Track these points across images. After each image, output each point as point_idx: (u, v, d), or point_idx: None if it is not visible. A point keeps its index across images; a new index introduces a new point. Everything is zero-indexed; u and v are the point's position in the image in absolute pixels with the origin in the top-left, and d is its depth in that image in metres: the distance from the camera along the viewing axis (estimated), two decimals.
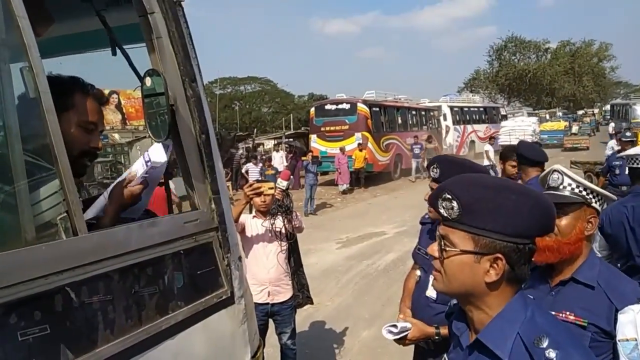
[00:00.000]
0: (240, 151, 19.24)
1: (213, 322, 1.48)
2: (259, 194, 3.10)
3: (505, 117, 30.32)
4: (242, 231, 3.31)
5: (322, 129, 18.38)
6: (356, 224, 10.98)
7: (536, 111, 41.22)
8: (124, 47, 1.71)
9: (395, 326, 2.05)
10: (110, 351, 1.11)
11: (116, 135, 18.88)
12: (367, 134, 17.62)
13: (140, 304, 1.22)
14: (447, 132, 24.01)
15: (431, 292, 2.20)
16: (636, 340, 1.44)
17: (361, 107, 17.95)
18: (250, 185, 3.11)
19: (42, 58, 1.08)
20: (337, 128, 18.02)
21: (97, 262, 1.11)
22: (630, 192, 3.06)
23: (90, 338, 1.08)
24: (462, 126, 25.03)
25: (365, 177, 17.25)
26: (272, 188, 3.13)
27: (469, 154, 23.53)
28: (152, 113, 1.42)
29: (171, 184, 1.87)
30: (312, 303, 3.89)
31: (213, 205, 1.55)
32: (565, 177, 1.72)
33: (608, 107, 40.64)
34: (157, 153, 1.47)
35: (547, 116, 37.67)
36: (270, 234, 3.33)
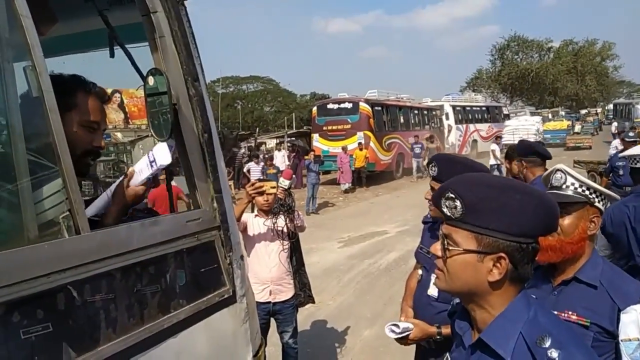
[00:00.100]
0: (243, 150, 19.25)
1: (215, 321, 1.48)
2: (261, 193, 3.11)
3: (507, 117, 30.27)
4: (244, 230, 3.32)
5: (324, 128, 18.39)
6: (358, 223, 10.98)
7: (539, 110, 41.13)
8: (127, 46, 1.71)
9: (397, 326, 2.05)
10: (112, 350, 1.11)
11: (119, 134, 18.93)
12: (369, 133, 17.62)
13: (142, 302, 1.23)
14: (449, 131, 23.97)
15: (432, 291, 2.20)
16: (639, 340, 1.44)
17: (363, 106, 17.95)
18: (253, 185, 3.12)
19: (45, 57, 1.09)
20: (339, 127, 18.03)
21: (99, 261, 1.11)
22: (632, 192, 3.05)
23: (93, 336, 1.08)
24: (464, 125, 24.98)
25: (367, 177, 17.24)
26: (274, 187, 3.13)
27: (471, 153, 23.49)
28: (154, 112, 1.42)
29: (175, 182, 1.87)
30: (313, 302, 3.89)
31: (215, 204, 1.55)
32: (568, 176, 1.72)
33: (611, 106, 40.54)
34: (162, 154, 1.46)
35: (550, 115, 37.57)
36: (272, 233, 3.33)
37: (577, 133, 29.82)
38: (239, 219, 3.08)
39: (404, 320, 2.12)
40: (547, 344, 0.99)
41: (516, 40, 51.14)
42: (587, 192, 1.68)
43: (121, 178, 1.51)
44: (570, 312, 1.59)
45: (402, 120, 20.64)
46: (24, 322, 0.93)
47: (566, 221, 1.64)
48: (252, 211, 3.62)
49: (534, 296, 1.16)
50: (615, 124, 28.49)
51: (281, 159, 17.00)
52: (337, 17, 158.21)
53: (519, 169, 3.68)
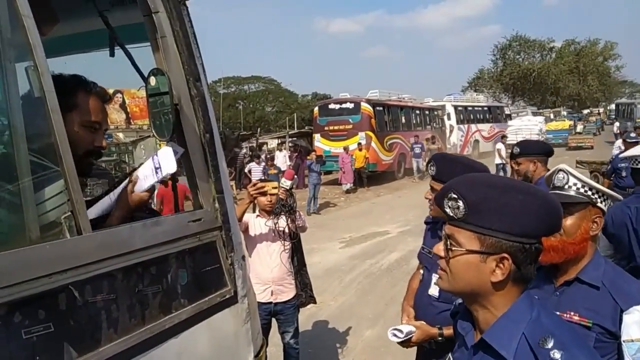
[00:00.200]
0: (244, 150, 19.27)
1: (216, 321, 1.48)
2: (263, 194, 3.11)
3: (509, 117, 30.22)
4: (246, 230, 3.32)
5: (326, 128, 18.39)
6: (359, 223, 10.97)
7: (540, 110, 41.08)
8: (129, 46, 1.71)
9: (400, 330, 2.04)
10: (113, 350, 1.11)
11: (120, 135, 18.96)
12: (370, 133, 17.61)
13: (143, 302, 1.23)
14: (451, 131, 23.93)
15: (433, 291, 2.20)
16: None
17: (365, 106, 17.94)
18: (254, 185, 3.12)
19: (47, 57, 1.09)
20: (341, 127, 18.03)
21: (101, 261, 1.11)
22: (634, 193, 3.04)
23: (94, 337, 1.08)
24: (466, 125, 24.95)
25: (368, 177, 17.23)
26: (275, 188, 3.13)
27: (473, 153, 23.46)
28: (156, 112, 1.42)
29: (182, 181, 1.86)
30: (315, 302, 3.89)
31: (217, 205, 1.55)
32: (570, 176, 1.71)
33: (613, 106, 40.47)
34: (168, 161, 1.45)
35: (552, 115, 37.54)
36: (273, 234, 3.33)
37: (579, 133, 29.81)
38: (240, 220, 3.08)
39: (406, 322, 2.11)
40: (550, 344, 0.99)
41: (518, 40, 51.06)
42: (589, 193, 1.67)
43: (125, 182, 1.50)
44: (572, 313, 1.58)
45: (403, 121, 20.62)
46: (26, 322, 0.94)
47: (568, 221, 1.64)
48: (254, 211, 3.62)
49: (536, 297, 1.15)
50: (617, 124, 28.45)
51: (282, 159, 17.01)
52: (339, 17, 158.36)
53: (533, 167, 3.57)
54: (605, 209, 1.69)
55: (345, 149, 16.20)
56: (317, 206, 13.26)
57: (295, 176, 3.40)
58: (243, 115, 40.52)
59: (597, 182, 1.96)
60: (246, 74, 48.51)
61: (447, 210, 1.11)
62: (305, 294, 3.67)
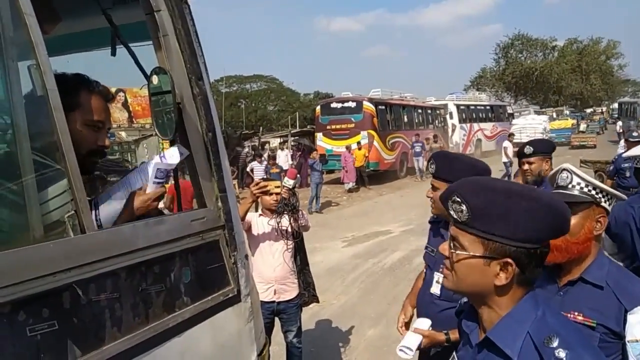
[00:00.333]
0: (246, 149, 19.27)
1: (219, 320, 1.48)
2: (265, 193, 3.11)
3: (512, 116, 30.16)
4: (249, 229, 3.32)
5: (328, 127, 18.38)
6: (362, 222, 10.98)
7: (543, 109, 40.97)
8: (131, 45, 1.71)
9: (410, 348, 1.95)
10: (117, 348, 1.11)
11: (123, 134, 18.96)
12: (373, 132, 17.60)
13: (147, 301, 1.23)
14: (453, 130, 23.91)
15: (435, 289, 2.20)
16: None
17: (367, 105, 17.93)
18: (257, 184, 3.12)
19: (49, 56, 1.09)
20: (343, 126, 18.02)
21: (104, 260, 1.11)
22: (637, 192, 3.03)
23: (98, 335, 1.08)
24: (468, 124, 24.91)
25: (371, 176, 17.21)
26: (278, 187, 3.13)
27: (476, 152, 23.43)
28: (158, 111, 1.42)
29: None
30: (317, 301, 3.89)
31: (220, 204, 1.55)
32: (574, 176, 1.70)
33: (616, 105, 40.32)
34: (172, 155, 1.45)
35: (554, 114, 37.44)
36: (276, 233, 3.33)
37: (583, 132, 29.74)
38: (243, 219, 3.08)
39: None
40: (555, 344, 0.99)
41: (520, 39, 50.89)
42: (593, 192, 1.66)
43: (137, 189, 1.49)
44: (576, 313, 1.58)
45: (405, 120, 20.59)
46: (30, 320, 0.94)
47: (572, 221, 1.62)
48: (256, 210, 3.62)
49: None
50: (620, 123, 28.35)
51: (284, 158, 17.01)
52: (340, 15, 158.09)
53: (546, 166, 3.51)
54: (609, 208, 1.68)
55: (348, 147, 16.20)
56: (319, 205, 13.26)
57: (298, 175, 3.39)
58: (245, 114, 40.54)
59: (602, 181, 1.95)
60: (248, 72, 48.49)
61: (452, 212, 1.11)
62: (308, 293, 3.67)
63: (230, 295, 1.53)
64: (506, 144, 15.58)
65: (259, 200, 3.26)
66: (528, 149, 3.45)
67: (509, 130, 23.13)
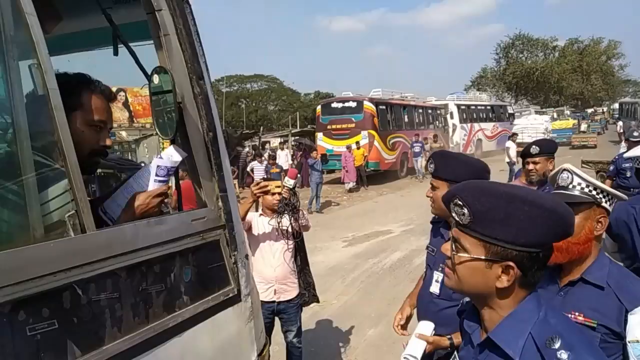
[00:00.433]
0: (247, 149, 19.27)
1: (220, 320, 1.48)
2: (266, 193, 3.11)
3: (512, 116, 30.14)
4: (249, 229, 3.32)
5: (329, 127, 18.39)
6: (362, 222, 10.97)
7: (544, 109, 40.93)
8: (132, 44, 1.71)
9: (415, 357, 1.85)
10: (117, 348, 1.11)
11: (123, 133, 18.96)
12: (373, 132, 17.60)
13: (147, 301, 1.23)
14: (453, 130, 23.89)
15: (434, 288, 2.20)
16: None
17: (367, 105, 17.93)
18: (257, 184, 3.12)
19: (50, 55, 1.09)
20: (344, 126, 18.02)
21: (104, 260, 1.11)
22: (638, 192, 3.03)
23: (98, 335, 1.08)
24: (469, 124, 24.90)
25: (371, 176, 17.20)
26: (279, 187, 3.13)
27: (476, 152, 23.42)
28: (159, 111, 1.42)
29: None
30: (318, 301, 3.89)
31: (220, 203, 1.55)
32: (575, 176, 1.70)
33: (616, 105, 40.30)
34: (172, 153, 1.45)
35: (555, 114, 37.43)
36: (276, 233, 3.33)
37: (583, 132, 29.73)
38: (243, 218, 3.07)
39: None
40: (557, 345, 0.98)
41: (521, 39, 50.85)
42: (594, 192, 1.66)
43: (139, 191, 1.49)
44: (577, 313, 1.58)
45: (406, 119, 20.58)
46: (30, 320, 0.94)
47: None
48: (257, 210, 3.62)
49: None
50: (620, 123, 28.31)
51: (284, 158, 17.01)
52: (341, 15, 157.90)
53: (551, 166, 3.50)
54: (609, 208, 1.68)
55: (348, 147, 16.19)
56: (320, 205, 13.26)
57: (299, 175, 3.40)
58: (246, 113, 40.58)
59: (603, 182, 1.94)
60: (249, 72, 48.59)
61: (454, 215, 1.11)
62: (308, 293, 3.67)
63: (231, 295, 1.53)
64: (509, 144, 15.54)
65: (260, 200, 3.26)
66: (534, 149, 3.42)
67: (509, 130, 23.11)
